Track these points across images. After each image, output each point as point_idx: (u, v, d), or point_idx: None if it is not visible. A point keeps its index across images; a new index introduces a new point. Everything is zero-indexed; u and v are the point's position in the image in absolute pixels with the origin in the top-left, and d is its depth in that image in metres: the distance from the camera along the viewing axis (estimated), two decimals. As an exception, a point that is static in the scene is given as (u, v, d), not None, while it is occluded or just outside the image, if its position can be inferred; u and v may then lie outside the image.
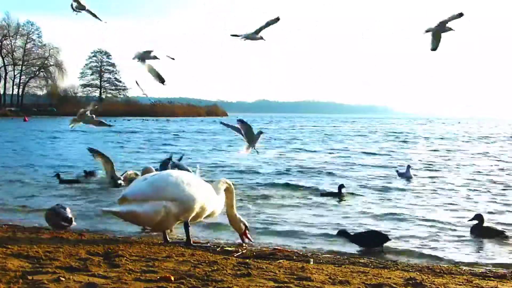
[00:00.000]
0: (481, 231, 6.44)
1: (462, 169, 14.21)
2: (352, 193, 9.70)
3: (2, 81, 74.13)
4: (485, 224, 6.53)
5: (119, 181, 9.67)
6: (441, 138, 31.36)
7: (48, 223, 5.83)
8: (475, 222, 6.54)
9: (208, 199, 5.07)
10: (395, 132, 39.21)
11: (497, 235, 6.39)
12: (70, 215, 5.77)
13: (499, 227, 6.72)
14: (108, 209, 5.18)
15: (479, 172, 13.47)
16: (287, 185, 10.67)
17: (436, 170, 13.82)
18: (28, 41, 75.99)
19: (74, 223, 5.82)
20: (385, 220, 7.41)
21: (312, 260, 4.79)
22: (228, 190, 5.40)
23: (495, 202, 8.99)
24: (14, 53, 74.87)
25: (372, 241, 5.81)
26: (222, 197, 5.34)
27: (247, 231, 5.48)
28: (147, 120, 61.51)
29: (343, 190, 9.37)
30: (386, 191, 10.14)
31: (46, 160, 15.82)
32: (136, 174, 9.60)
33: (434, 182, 11.49)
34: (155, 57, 6.55)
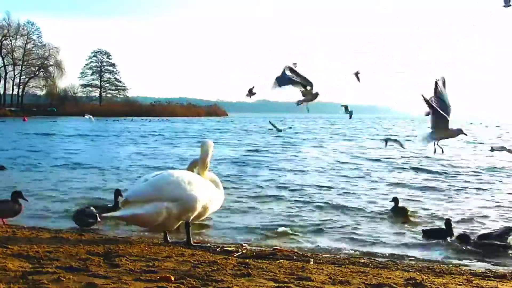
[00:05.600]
0: (396, 212, 7.58)
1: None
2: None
3: (2, 81, 74.24)
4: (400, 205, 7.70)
5: None
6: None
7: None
8: (393, 203, 7.71)
9: (210, 199, 5.06)
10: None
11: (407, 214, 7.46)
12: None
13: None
14: (110, 215, 5.18)
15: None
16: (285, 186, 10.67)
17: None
18: (28, 41, 76.04)
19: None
20: (385, 220, 7.42)
21: (312, 260, 4.79)
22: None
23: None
24: (14, 53, 74.91)
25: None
26: (221, 192, 5.34)
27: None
28: (146, 120, 61.45)
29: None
30: (380, 190, 10.13)
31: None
32: None
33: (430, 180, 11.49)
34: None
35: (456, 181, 11.49)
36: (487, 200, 9.11)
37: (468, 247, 5.83)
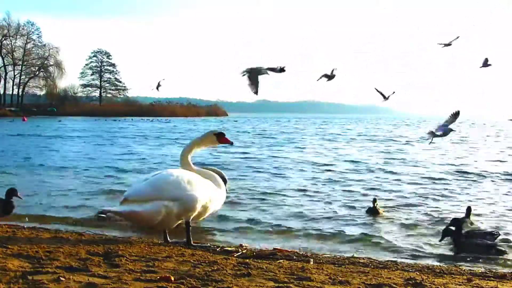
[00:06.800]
0: (371, 211, 7.70)
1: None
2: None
3: (2, 81, 74.23)
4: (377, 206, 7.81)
5: None
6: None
7: None
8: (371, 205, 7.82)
9: (211, 198, 5.06)
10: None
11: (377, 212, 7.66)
12: None
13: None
14: (109, 209, 5.17)
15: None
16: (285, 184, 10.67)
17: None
18: (28, 41, 76.04)
19: None
20: (384, 220, 7.42)
21: (312, 260, 4.79)
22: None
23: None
24: (14, 53, 74.91)
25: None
26: (223, 191, 5.34)
27: (222, 137, 5.45)
28: (143, 120, 61.38)
29: None
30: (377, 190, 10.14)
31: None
32: None
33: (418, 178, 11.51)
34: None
35: (442, 183, 11.55)
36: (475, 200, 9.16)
37: (462, 244, 5.76)
